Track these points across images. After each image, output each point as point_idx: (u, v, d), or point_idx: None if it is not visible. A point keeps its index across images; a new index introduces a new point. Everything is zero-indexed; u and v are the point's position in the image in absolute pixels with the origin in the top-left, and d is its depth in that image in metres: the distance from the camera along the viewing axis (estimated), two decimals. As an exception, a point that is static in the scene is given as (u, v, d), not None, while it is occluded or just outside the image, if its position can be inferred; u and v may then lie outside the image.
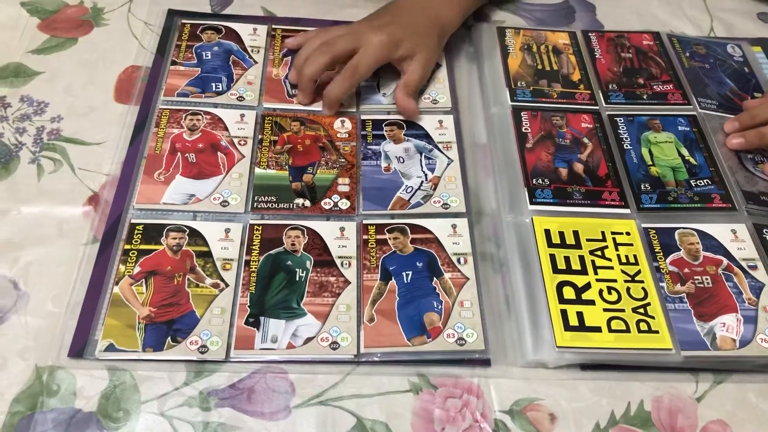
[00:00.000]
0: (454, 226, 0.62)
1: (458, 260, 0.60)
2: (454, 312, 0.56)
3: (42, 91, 0.69)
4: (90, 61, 0.72)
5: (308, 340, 0.54)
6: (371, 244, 0.60)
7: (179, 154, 0.65)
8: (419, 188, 0.64)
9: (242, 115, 0.68)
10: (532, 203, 0.63)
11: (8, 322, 0.54)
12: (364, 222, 0.62)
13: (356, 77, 0.67)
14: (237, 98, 0.70)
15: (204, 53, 0.74)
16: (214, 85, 0.71)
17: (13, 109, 0.67)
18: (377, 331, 0.55)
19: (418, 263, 0.59)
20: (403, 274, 0.58)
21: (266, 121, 0.68)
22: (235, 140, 0.66)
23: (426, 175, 0.66)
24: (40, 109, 0.67)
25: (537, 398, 0.54)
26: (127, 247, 0.58)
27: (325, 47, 0.68)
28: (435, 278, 0.58)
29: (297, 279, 0.57)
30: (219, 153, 0.65)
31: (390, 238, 0.61)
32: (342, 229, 0.61)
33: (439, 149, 0.68)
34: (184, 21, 0.77)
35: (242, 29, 0.77)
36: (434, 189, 0.64)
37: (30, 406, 0.50)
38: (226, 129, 0.67)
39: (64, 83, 0.69)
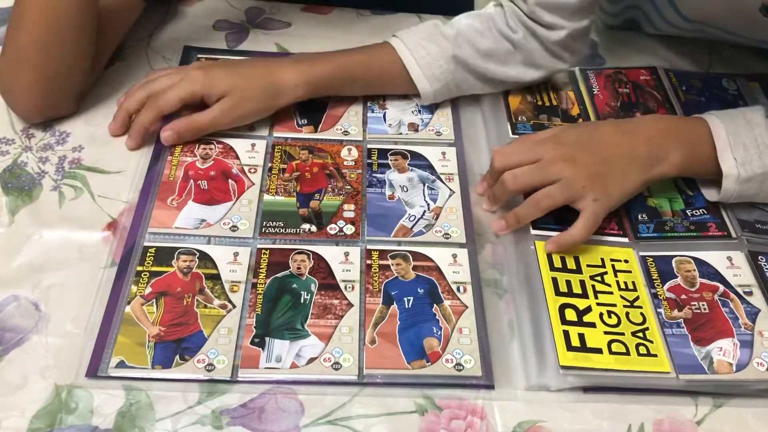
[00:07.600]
0: (454, 256, 0.63)
1: (458, 288, 0.61)
2: (453, 338, 0.58)
3: (64, 121, 0.71)
4: (111, 93, 0.75)
5: (311, 360, 0.56)
6: (374, 269, 0.62)
7: (192, 181, 0.67)
8: (422, 217, 0.66)
9: (253, 145, 0.71)
10: (534, 228, 0.65)
11: (29, 341, 0.56)
12: (368, 247, 0.63)
13: (157, 109, 0.68)
14: (248, 128, 0.72)
15: (218, 86, 0.77)
16: (226, 116, 0.74)
17: (37, 139, 0.70)
18: (379, 354, 0.56)
19: (419, 289, 0.61)
20: (405, 299, 0.60)
21: (276, 150, 0.71)
22: (246, 168, 0.69)
23: (428, 205, 0.67)
24: (62, 139, 0.70)
25: (540, 420, 0.54)
26: (140, 268, 0.60)
27: (153, 100, 0.68)
28: (435, 305, 0.60)
29: (302, 301, 0.59)
30: (230, 180, 0.67)
31: (392, 264, 0.62)
32: (346, 254, 0.63)
33: (441, 180, 0.70)
34: (200, 56, 0.80)
35: (254, 64, 0.80)
36: (436, 219, 0.66)
37: (49, 423, 0.51)
38: (237, 158, 0.70)
39: (85, 114, 0.72)
